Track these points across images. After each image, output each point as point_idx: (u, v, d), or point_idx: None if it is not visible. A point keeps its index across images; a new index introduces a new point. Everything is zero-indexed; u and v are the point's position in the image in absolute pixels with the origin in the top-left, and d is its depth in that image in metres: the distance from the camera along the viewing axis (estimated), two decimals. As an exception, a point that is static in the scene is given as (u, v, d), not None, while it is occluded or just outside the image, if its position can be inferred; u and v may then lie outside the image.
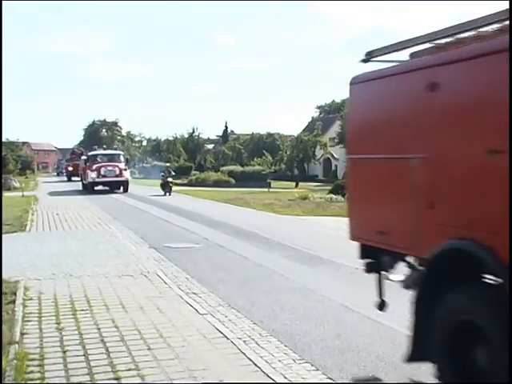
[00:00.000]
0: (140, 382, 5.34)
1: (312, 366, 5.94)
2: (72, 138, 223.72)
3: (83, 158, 46.27)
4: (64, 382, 5.40)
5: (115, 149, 54.26)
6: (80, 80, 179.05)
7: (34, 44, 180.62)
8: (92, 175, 37.26)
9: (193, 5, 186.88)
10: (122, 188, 37.88)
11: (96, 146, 49.83)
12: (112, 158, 39.43)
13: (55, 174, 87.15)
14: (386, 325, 7.40)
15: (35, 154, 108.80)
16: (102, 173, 36.98)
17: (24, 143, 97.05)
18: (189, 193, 37.47)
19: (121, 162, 38.76)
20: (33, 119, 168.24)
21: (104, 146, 54.65)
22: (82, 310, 7.90)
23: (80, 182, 43.04)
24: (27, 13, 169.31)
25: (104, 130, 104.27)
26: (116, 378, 5.46)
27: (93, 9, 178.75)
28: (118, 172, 37.34)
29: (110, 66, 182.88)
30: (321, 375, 5.69)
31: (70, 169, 58.70)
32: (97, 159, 39.15)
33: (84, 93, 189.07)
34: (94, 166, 37.30)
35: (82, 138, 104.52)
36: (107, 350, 6.30)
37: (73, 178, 55.29)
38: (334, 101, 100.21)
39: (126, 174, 38.18)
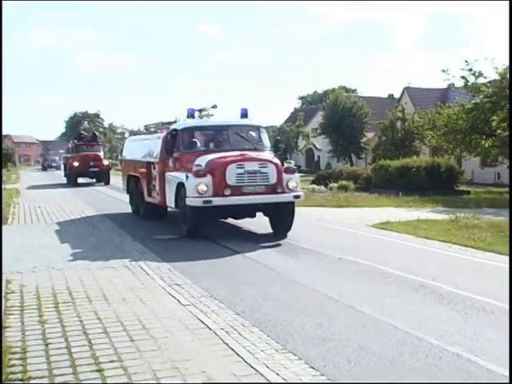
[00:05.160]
0: (126, 380, 5.32)
1: (295, 355, 5.97)
2: (54, 130, 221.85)
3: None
4: (46, 374, 5.38)
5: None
6: (61, 72, 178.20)
7: (15, 37, 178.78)
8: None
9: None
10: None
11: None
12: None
13: (40, 167, 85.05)
14: (368, 314, 7.45)
15: (16, 146, 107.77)
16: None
17: (5, 136, 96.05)
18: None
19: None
20: (13, 112, 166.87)
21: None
22: (65, 303, 7.86)
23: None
24: (10, 6, 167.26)
25: (86, 122, 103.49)
26: (98, 370, 5.45)
27: (75, 2, 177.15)
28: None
29: (91, 59, 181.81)
30: (303, 364, 5.72)
31: (76, 164, 37.06)
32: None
33: (65, 85, 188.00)
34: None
35: (63, 130, 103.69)
36: (90, 342, 6.28)
37: (80, 181, 37.89)
38: (316, 92, 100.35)
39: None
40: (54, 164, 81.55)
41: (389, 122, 42.64)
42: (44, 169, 78.77)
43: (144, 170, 17.13)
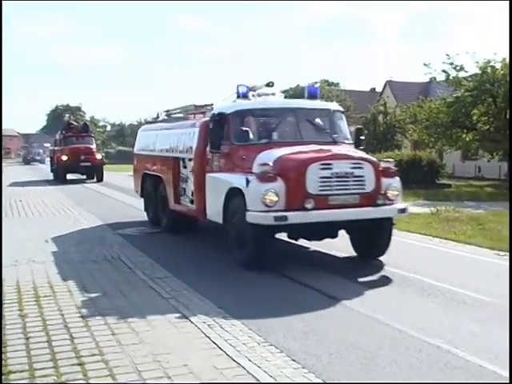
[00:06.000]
0: (107, 373, 5.31)
1: (276, 348, 5.99)
2: (35, 123, 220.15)
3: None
4: (27, 368, 5.36)
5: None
6: (42, 65, 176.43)
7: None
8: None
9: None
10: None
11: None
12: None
13: (21, 161, 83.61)
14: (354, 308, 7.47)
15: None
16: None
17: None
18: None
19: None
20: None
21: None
22: (46, 297, 7.82)
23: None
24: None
25: (67, 115, 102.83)
26: (80, 364, 5.44)
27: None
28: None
29: (72, 51, 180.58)
30: (285, 357, 5.73)
31: (65, 158, 33.13)
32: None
33: (46, 78, 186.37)
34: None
35: (45, 123, 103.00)
36: (71, 335, 6.25)
37: (69, 177, 34.08)
38: (298, 85, 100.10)
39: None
40: (37, 157, 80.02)
41: (371, 115, 42.78)
42: (27, 162, 76.97)
43: (169, 168, 13.23)
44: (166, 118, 15.83)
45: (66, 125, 36.59)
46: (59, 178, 33.39)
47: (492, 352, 5.89)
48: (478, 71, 26.17)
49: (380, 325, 6.80)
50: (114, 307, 7.33)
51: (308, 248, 11.46)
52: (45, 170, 43.06)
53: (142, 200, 15.66)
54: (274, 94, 12.87)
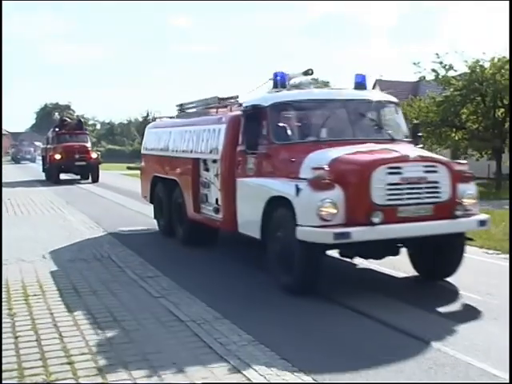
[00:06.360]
0: (97, 372, 5.30)
1: (267, 347, 5.98)
2: (24, 121, 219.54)
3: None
4: (16, 367, 5.34)
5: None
6: (31, 63, 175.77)
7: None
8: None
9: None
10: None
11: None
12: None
13: (10, 159, 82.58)
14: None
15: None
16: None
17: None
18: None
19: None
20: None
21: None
22: (35, 295, 7.80)
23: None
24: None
25: (56, 113, 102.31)
26: (69, 363, 5.43)
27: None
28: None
29: (61, 49, 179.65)
30: (275, 355, 5.74)
31: (58, 157, 31.05)
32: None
33: (36, 76, 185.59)
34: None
35: (33, 121, 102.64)
36: (60, 334, 6.25)
37: (62, 177, 32.05)
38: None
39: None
40: (28, 156, 78.86)
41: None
42: (17, 161, 75.55)
43: (186, 171, 11.47)
44: (180, 113, 13.58)
45: (60, 121, 34.73)
46: (52, 178, 31.48)
47: None
48: (467, 70, 26.23)
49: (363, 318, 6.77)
50: (104, 306, 7.32)
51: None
52: (36, 170, 41.41)
53: (142, 203, 14.30)
54: (312, 84, 10.94)
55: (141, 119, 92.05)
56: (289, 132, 8.95)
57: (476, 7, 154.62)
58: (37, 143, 76.89)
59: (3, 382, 5.09)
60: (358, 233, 7.34)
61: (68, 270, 9.39)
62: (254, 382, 5.13)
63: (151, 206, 13.77)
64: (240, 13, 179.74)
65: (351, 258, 8.63)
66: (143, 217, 15.49)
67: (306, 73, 10.64)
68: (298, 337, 6.42)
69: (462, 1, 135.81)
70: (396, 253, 8.35)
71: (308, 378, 5.22)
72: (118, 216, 16.33)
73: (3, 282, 8.45)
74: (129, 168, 44.07)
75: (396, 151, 8.05)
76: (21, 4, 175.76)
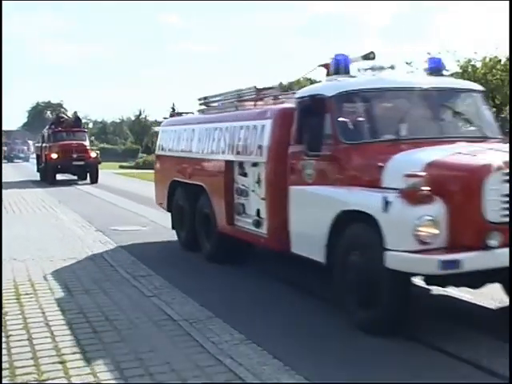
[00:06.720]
0: (89, 371, 5.29)
1: (258, 346, 5.97)
2: (15, 119, 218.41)
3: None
4: (7, 366, 5.32)
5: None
6: (24, 61, 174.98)
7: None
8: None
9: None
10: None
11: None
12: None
13: (3, 157, 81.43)
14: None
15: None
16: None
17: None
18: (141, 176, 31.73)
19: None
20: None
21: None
22: (27, 294, 7.77)
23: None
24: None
25: (49, 112, 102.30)
26: (61, 362, 5.41)
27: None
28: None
29: (54, 48, 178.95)
30: (267, 354, 5.73)
31: (55, 156, 29.36)
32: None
33: (28, 74, 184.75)
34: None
35: (25, 119, 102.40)
36: (52, 333, 6.22)
37: (59, 177, 30.46)
38: (281, 83, 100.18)
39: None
40: (21, 155, 77.89)
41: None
42: (10, 160, 74.28)
43: (217, 175, 9.64)
44: (204, 107, 11.59)
45: (56, 118, 33.25)
46: (48, 178, 29.48)
47: None
48: (458, 70, 26.32)
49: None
50: (96, 305, 7.30)
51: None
52: (30, 169, 39.78)
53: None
54: (381, 70, 8.59)
55: (133, 118, 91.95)
56: (360, 129, 7.31)
57: (471, 7, 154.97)
58: (29, 142, 76.37)
59: (3, 382, 5.07)
60: (471, 260, 5.64)
61: (60, 268, 9.36)
62: (247, 381, 5.11)
63: (142, 206, 13.63)
64: (240, 13, 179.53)
65: (443, 286, 6.79)
66: (135, 215, 15.46)
67: (366, 56, 8.59)
68: (291, 336, 6.42)
69: (457, 1, 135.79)
70: (497, 281, 6.62)
71: (300, 378, 5.20)
72: (110, 215, 16.28)
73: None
74: (121, 167, 44.08)
75: (504, 152, 6.27)
76: (21, 4, 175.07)
